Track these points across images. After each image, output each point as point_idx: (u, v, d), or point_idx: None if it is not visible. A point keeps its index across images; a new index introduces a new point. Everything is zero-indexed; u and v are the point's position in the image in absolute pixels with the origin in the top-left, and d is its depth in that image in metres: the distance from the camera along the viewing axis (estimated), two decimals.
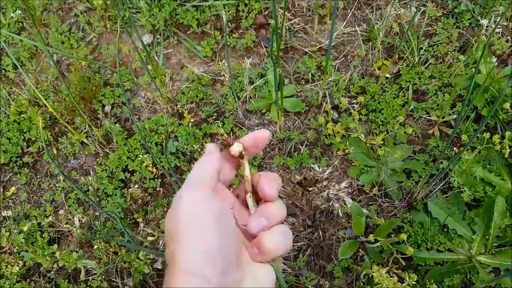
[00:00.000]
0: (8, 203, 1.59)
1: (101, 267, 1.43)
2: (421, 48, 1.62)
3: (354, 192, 1.48)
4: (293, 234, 1.43)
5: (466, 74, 1.55)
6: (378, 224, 1.36)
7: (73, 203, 1.55)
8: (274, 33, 1.10)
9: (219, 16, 1.78)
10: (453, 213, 1.36)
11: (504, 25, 1.67)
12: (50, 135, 1.65)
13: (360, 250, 1.39)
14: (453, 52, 1.63)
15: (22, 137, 1.65)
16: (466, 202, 1.39)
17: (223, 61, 1.67)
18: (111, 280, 1.44)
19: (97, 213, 1.53)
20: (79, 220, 1.53)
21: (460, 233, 1.35)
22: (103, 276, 1.43)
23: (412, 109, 1.56)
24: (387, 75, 1.61)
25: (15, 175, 1.62)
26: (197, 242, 0.41)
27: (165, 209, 1.51)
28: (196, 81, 1.69)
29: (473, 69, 1.53)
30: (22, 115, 1.67)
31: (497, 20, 1.65)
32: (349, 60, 1.68)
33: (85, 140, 1.59)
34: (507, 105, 1.42)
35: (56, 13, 1.88)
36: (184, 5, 1.78)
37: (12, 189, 1.61)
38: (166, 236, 0.45)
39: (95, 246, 1.44)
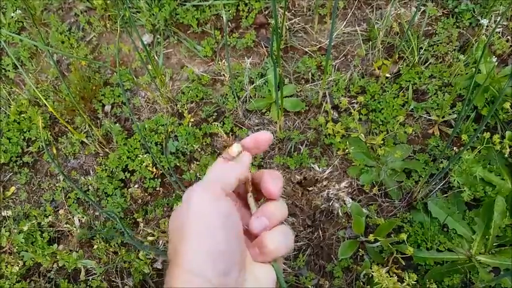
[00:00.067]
0: (8, 202, 1.59)
1: (100, 267, 1.43)
2: (421, 47, 1.62)
3: (354, 192, 1.48)
4: (293, 234, 1.43)
5: (466, 73, 1.55)
6: (377, 223, 1.36)
7: (73, 202, 1.55)
8: (274, 32, 1.10)
9: (219, 16, 1.78)
10: (453, 213, 1.36)
11: (504, 25, 1.67)
12: (50, 135, 1.65)
13: (360, 250, 1.39)
14: (453, 52, 1.62)
15: (22, 137, 1.65)
16: (466, 202, 1.39)
17: (224, 61, 1.67)
18: (111, 280, 1.44)
19: (97, 213, 1.53)
20: (79, 220, 1.53)
21: (460, 232, 1.35)
22: (103, 276, 1.44)
23: (412, 109, 1.56)
24: (387, 75, 1.61)
25: (15, 175, 1.62)
26: (202, 242, 0.41)
27: (165, 208, 1.51)
28: (196, 81, 1.69)
29: (474, 69, 1.53)
30: (22, 115, 1.67)
31: (498, 19, 1.65)
32: (349, 60, 1.68)
33: (85, 140, 1.59)
34: (507, 105, 1.42)
35: (56, 13, 1.88)
36: (185, 5, 1.78)
37: (12, 189, 1.61)
38: (171, 233, 0.45)
39: (95, 246, 1.44)
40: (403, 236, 1.22)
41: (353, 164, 1.50)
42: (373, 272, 1.19)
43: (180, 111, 1.63)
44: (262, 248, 0.46)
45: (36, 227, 1.51)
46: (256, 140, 0.50)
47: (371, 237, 1.28)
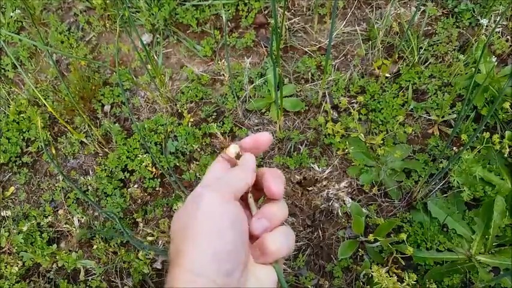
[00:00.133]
0: (7, 203, 1.59)
1: (100, 267, 1.43)
2: (421, 47, 1.62)
3: (354, 192, 1.48)
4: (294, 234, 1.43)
5: (466, 73, 1.55)
6: (377, 223, 1.36)
7: (72, 202, 1.55)
8: (274, 32, 1.10)
9: (218, 15, 1.78)
10: (453, 212, 1.36)
11: (504, 24, 1.67)
12: (49, 135, 1.65)
13: (360, 250, 1.39)
14: (453, 51, 1.62)
15: (21, 137, 1.65)
16: (465, 202, 1.39)
17: (223, 60, 1.67)
18: (110, 280, 1.44)
19: (96, 213, 1.53)
20: (78, 220, 1.53)
21: (460, 232, 1.35)
22: (102, 276, 1.43)
23: (412, 109, 1.56)
24: (387, 75, 1.61)
25: (15, 175, 1.62)
26: (211, 242, 0.42)
27: (165, 209, 1.51)
28: (196, 80, 1.68)
29: (473, 69, 1.53)
30: (21, 115, 1.67)
31: (497, 19, 1.65)
32: (348, 60, 1.68)
33: (84, 140, 1.59)
34: (507, 105, 1.42)
35: (56, 12, 1.88)
36: (184, 4, 1.77)
37: (12, 189, 1.61)
38: (174, 233, 0.45)
39: (94, 246, 1.44)
40: (403, 236, 1.22)
41: (353, 163, 1.50)
42: (372, 272, 1.19)
43: (179, 111, 1.63)
44: (264, 249, 0.46)
45: (36, 227, 1.51)
46: (256, 141, 0.50)
47: (371, 237, 1.28)
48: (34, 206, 1.58)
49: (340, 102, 1.54)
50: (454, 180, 1.39)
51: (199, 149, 1.56)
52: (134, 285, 1.41)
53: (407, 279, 1.14)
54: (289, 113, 1.60)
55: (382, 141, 1.42)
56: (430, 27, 1.70)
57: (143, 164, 1.51)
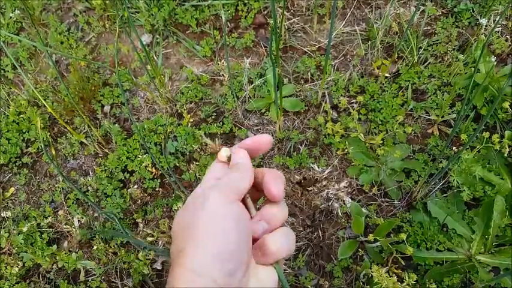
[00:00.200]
0: (7, 203, 1.59)
1: (100, 267, 1.43)
2: (421, 47, 1.62)
3: (354, 192, 1.48)
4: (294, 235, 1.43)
5: (466, 73, 1.55)
6: (377, 223, 1.36)
7: (72, 203, 1.55)
8: (274, 32, 1.09)
9: (218, 16, 1.78)
10: (452, 212, 1.36)
11: (503, 24, 1.67)
12: (49, 135, 1.65)
13: (360, 250, 1.39)
14: (452, 51, 1.62)
15: (21, 138, 1.65)
16: (465, 201, 1.39)
17: (223, 61, 1.67)
18: (110, 281, 1.44)
19: (96, 214, 1.53)
20: (78, 221, 1.53)
21: (460, 232, 1.35)
22: (102, 277, 1.43)
23: (412, 108, 1.56)
24: (386, 75, 1.61)
25: (15, 176, 1.62)
26: (216, 242, 0.42)
27: (165, 209, 1.51)
28: (196, 81, 1.68)
29: (473, 69, 1.53)
30: (21, 115, 1.67)
31: (497, 19, 1.65)
32: (348, 60, 1.68)
33: (84, 141, 1.59)
34: (506, 105, 1.42)
35: (55, 13, 1.88)
36: (183, 5, 1.77)
37: (12, 189, 1.61)
38: (175, 233, 0.45)
39: (95, 247, 1.44)
40: (403, 236, 1.22)
41: (352, 163, 1.50)
42: (372, 272, 1.19)
43: (179, 111, 1.63)
44: (264, 250, 0.46)
45: (36, 227, 1.51)
46: (257, 142, 0.50)
47: (371, 237, 1.28)
48: (34, 206, 1.58)
49: (339, 102, 1.54)
50: (453, 180, 1.39)
51: (199, 150, 1.56)
52: (134, 285, 1.41)
53: (407, 279, 1.14)
54: (288, 113, 1.60)
55: (381, 141, 1.42)
56: (429, 27, 1.70)
57: (143, 164, 1.51)
